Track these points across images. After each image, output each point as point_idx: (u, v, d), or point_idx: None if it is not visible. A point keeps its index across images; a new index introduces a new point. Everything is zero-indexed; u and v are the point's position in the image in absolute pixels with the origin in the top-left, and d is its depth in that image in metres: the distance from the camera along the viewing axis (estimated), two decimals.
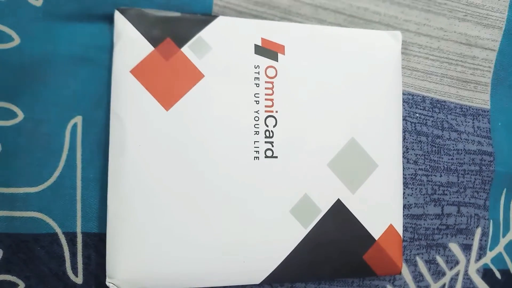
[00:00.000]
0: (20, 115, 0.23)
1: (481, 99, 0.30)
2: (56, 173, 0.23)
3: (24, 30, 0.23)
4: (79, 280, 0.24)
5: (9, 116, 0.23)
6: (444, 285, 0.28)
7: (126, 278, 0.22)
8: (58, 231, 0.23)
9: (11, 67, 0.23)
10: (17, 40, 0.23)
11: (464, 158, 0.29)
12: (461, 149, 0.29)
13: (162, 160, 0.23)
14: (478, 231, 0.29)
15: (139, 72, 0.23)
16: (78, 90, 0.24)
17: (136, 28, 0.23)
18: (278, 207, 0.24)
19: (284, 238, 0.24)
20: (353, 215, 0.25)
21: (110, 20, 0.24)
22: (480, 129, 0.30)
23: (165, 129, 0.23)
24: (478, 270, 0.29)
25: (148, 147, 0.23)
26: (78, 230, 0.24)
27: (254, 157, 0.24)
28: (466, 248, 0.29)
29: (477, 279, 0.29)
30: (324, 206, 0.24)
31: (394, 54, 0.27)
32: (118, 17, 0.23)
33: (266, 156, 0.24)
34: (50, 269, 0.23)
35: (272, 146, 0.24)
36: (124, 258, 0.22)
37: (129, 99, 0.23)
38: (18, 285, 0.23)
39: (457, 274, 0.29)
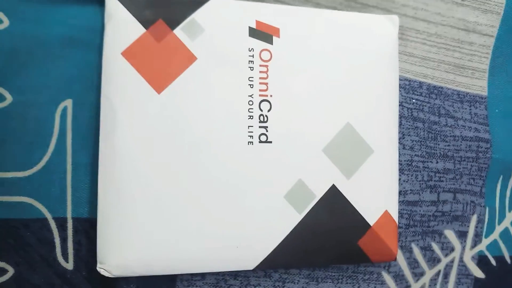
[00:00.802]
0: (9, 98, 0.23)
1: (479, 86, 0.30)
2: (46, 158, 0.23)
3: (13, 12, 0.23)
4: (69, 266, 0.23)
5: None
6: (439, 271, 0.28)
7: (117, 263, 0.22)
8: (48, 216, 0.23)
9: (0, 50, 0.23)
10: (6, 22, 0.23)
11: (460, 144, 0.29)
12: (457, 136, 0.29)
13: (153, 145, 0.22)
14: (474, 218, 0.29)
15: (130, 54, 0.22)
16: (68, 73, 0.23)
17: (128, 10, 0.23)
18: (272, 193, 0.23)
19: (278, 223, 0.23)
20: (348, 201, 0.24)
21: (100, 1, 0.24)
22: (477, 115, 0.29)
23: (156, 112, 0.22)
24: (473, 257, 0.29)
25: (139, 131, 0.22)
26: (69, 215, 0.23)
27: (248, 142, 0.23)
28: (462, 235, 0.29)
29: (472, 266, 0.29)
30: (319, 192, 0.24)
31: (391, 38, 0.26)
32: None
33: (260, 141, 0.24)
34: (40, 255, 0.23)
35: (267, 131, 0.24)
36: (115, 243, 0.22)
37: (120, 81, 0.22)
38: (7, 271, 0.23)
39: (452, 261, 0.29)
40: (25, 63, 0.23)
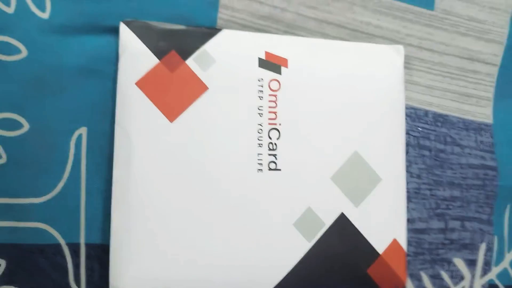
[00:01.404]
0: (26, 126, 0.23)
1: (484, 114, 0.30)
2: (61, 184, 0.23)
3: (31, 43, 0.24)
4: None
5: (14, 127, 0.23)
6: None
7: None
8: (62, 242, 0.23)
9: (18, 79, 0.23)
10: (24, 52, 0.24)
11: (467, 172, 0.29)
12: (464, 164, 0.29)
13: (166, 172, 0.23)
14: (483, 246, 0.29)
15: (144, 84, 0.23)
16: (84, 102, 0.24)
17: (141, 41, 0.24)
18: (282, 220, 0.24)
19: (287, 251, 0.24)
20: (356, 229, 0.25)
21: (115, 32, 0.25)
22: (483, 143, 0.30)
23: (169, 140, 0.23)
24: (483, 286, 0.29)
25: (152, 159, 0.23)
26: (82, 241, 0.24)
27: (258, 169, 0.24)
28: (471, 264, 0.29)
29: None
30: (328, 220, 0.24)
31: (397, 68, 0.27)
32: (124, 29, 0.24)
33: (270, 169, 0.24)
34: (53, 281, 0.23)
35: (276, 158, 0.24)
36: (127, 269, 0.22)
37: (134, 110, 0.23)
38: None
39: None
40: (42, 92, 0.24)
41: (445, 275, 0.28)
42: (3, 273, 0.23)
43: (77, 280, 0.24)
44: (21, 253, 0.23)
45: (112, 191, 0.22)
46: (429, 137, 0.29)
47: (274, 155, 0.24)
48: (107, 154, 0.24)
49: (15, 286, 0.23)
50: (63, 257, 0.23)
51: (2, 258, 0.23)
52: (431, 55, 0.30)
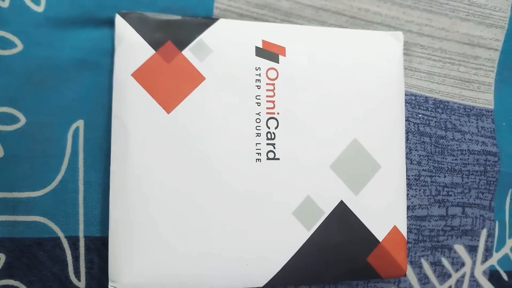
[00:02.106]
0: (22, 120, 0.23)
1: (485, 99, 0.30)
2: (59, 177, 0.23)
3: (26, 36, 0.24)
4: (81, 284, 0.24)
5: (11, 121, 0.23)
6: (450, 287, 0.28)
7: (129, 282, 0.22)
8: (61, 235, 0.23)
9: (13, 73, 0.23)
10: (19, 46, 0.24)
11: (468, 158, 0.29)
12: (465, 150, 0.29)
13: (163, 163, 0.23)
14: (484, 233, 0.29)
15: (140, 75, 0.23)
16: (80, 94, 0.24)
17: (137, 32, 0.23)
18: (281, 209, 0.24)
19: (287, 240, 0.24)
20: (356, 216, 0.24)
21: (111, 24, 0.24)
22: (484, 129, 0.29)
23: (166, 132, 0.23)
24: (484, 272, 0.29)
25: (149, 150, 0.23)
26: (81, 234, 0.24)
27: (256, 159, 0.24)
28: (472, 250, 0.29)
29: (483, 281, 0.29)
30: (327, 208, 0.24)
31: (396, 54, 0.26)
32: (119, 21, 0.23)
33: (268, 158, 0.24)
34: (53, 274, 0.23)
35: (274, 148, 0.24)
36: (126, 262, 0.22)
37: (131, 102, 0.23)
38: None
39: (463, 276, 0.28)
40: (38, 86, 0.24)
41: (446, 262, 0.28)
42: (3, 267, 0.23)
43: (77, 273, 0.24)
44: (20, 247, 0.23)
45: (110, 184, 0.22)
46: (429, 124, 0.28)
47: (273, 145, 0.24)
48: (105, 147, 0.24)
49: (15, 280, 0.23)
50: (62, 250, 0.23)
51: (1, 252, 0.23)
52: (431, 41, 0.29)
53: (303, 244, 0.24)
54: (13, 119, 0.23)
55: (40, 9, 0.24)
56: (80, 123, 0.24)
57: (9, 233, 0.23)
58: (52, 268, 0.23)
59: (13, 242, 0.23)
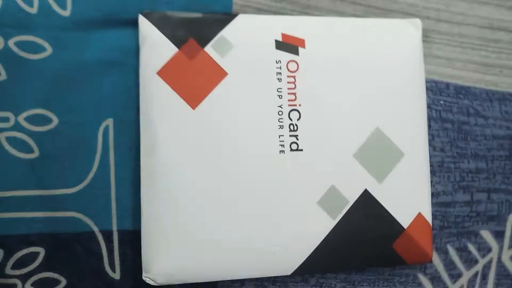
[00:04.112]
0: (55, 121, 0.24)
1: (508, 83, 0.30)
2: (91, 174, 0.24)
3: (54, 40, 0.25)
4: (116, 275, 0.25)
5: (44, 122, 0.24)
6: (477, 272, 0.28)
7: (161, 272, 0.23)
8: (95, 229, 0.24)
9: (44, 76, 0.24)
10: (49, 50, 0.25)
11: (492, 143, 0.29)
12: (488, 135, 0.29)
13: (191, 158, 0.23)
14: (510, 218, 0.29)
15: (165, 73, 0.24)
16: (108, 94, 0.25)
17: (160, 31, 0.24)
18: (306, 199, 0.24)
19: (313, 229, 0.24)
20: (381, 204, 0.25)
21: (134, 24, 0.25)
22: (508, 113, 0.29)
23: (192, 127, 0.24)
24: (511, 257, 0.29)
25: (177, 146, 0.23)
26: (114, 228, 0.25)
27: (280, 150, 0.24)
28: (499, 235, 0.29)
29: (511, 266, 0.29)
30: (352, 197, 0.25)
31: (415, 42, 0.26)
32: (142, 21, 0.24)
33: (292, 150, 0.24)
34: (89, 266, 0.24)
35: (297, 139, 0.24)
36: (159, 253, 0.23)
37: (157, 99, 0.24)
38: (60, 281, 0.24)
39: (490, 262, 0.28)
40: (68, 87, 0.25)
41: (472, 248, 0.28)
42: (42, 261, 0.24)
43: (112, 265, 0.25)
44: (58, 241, 0.24)
45: (141, 179, 0.23)
46: (451, 110, 0.28)
47: (295, 136, 0.24)
48: (134, 144, 0.25)
49: (54, 273, 0.24)
50: (97, 243, 0.25)
51: (40, 246, 0.24)
52: (450, 26, 0.29)
53: (329, 233, 0.24)
54: (46, 120, 0.24)
55: (66, 13, 0.25)
56: (109, 122, 0.25)
57: (47, 228, 0.24)
58: (89, 261, 0.24)
59: (51, 237, 0.24)
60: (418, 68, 0.26)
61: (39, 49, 0.24)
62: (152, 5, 0.26)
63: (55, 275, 0.24)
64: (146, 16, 0.24)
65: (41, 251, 0.24)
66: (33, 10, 0.24)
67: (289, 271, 0.24)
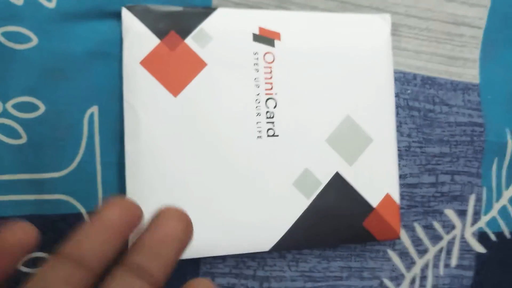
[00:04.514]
0: (42, 108, 0.25)
1: (471, 75, 0.32)
2: (78, 159, 0.26)
3: (41, 31, 0.25)
4: None
5: (32, 109, 0.25)
6: (442, 248, 0.30)
7: None
8: (83, 211, 0.26)
9: (31, 65, 0.25)
10: (35, 40, 0.25)
11: (455, 129, 0.31)
12: (452, 122, 0.31)
13: (173, 142, 0.25)
14: (472, 198, 0.31)
15: (148, 63, 0.25)
16: (93, 82, 0.26)
17: (143, 23, 0.25)
18: (282, 181, 0.26)
19: (289, 208, 0.26)
20: (351, 186, 0.27)
21: (118, 16, 0.26)
22: (470, 102, 0.31)
23: (174, 113, 0.25)
24: (473, 234, 0.31)
25: (159, 131, 0.25)
26: None
27: (257, 136, 0.26)
28: (462, 214, 0.31)
29: (473, 242, 0.31)
30: (324, 179, 0.26)
31: (384, 35, 0.28)
32: (126, 13, 0.25)
33: (268, 135, 0.26)
34: None
35: (273, 125, 0.26)
36: None
37: (140, 88, 0.25)
38: None
39: (453, 238, 0.31)
40: (54, 76, 0.26)
41: (437, 225, 0.30)
42: None
43: None
44: (47, 222, 0.25)
45: (126, 161, 0.25)
46: (418, 99, 0.30)
47: (272, 123, 0.26)
48: (118, 129, 0.26)
49: (43, 252, 0.25)
50: None
51: None
52: (418, 21, 0.31)
53: (304, 211, 0.26)
54: (34, 107, 0.25)
55: (52, 5, 0.26)
56: (94, 109, 0.26)
57: (36, 210, 0.25)
58: None
59: (40, 219, 0.25)
60: (387, 60, 0.28)
61: (25, 39, 0.25)
62: None
63: (44, 254, 0.25)
64: (129, 9, 0.25)
65: None
66: (19, 2, 0.25)
67: (267, 248, 0.26)
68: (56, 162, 0.25)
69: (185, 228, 0.19)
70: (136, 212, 0.19)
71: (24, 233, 0.17)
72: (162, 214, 0.19)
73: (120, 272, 0.17)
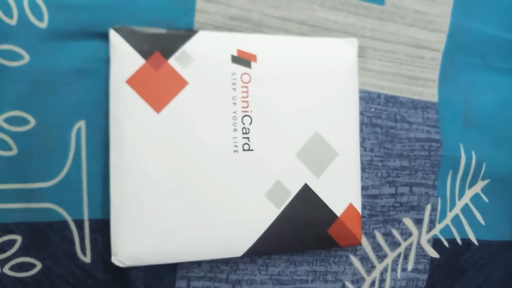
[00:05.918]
0: (32, 122, 0.27)
1: (430, 93, 0.34)
2: (65, 170, 0.27)
3: (32, 49, 0.27)
4: (87, 259, 0.27)
5: (22, 123, 0.27)
6: (400, 254, 0.33)
7: (128, 254, 0.26)
8: (68, 218, 0.27)
9: (23, 81, 0.26)
10: (27, 58, 0.27)
11: (414, 145, 0.33)
12: (412, 138, 0.33)
13: (155, 155, 0.26)
14: (428, 207, 0.33)
15: (133, 81, 0.26)
16: (81, 98, 0.27)
17: (129, 44, 0.26)
18: (255, 191, 0.28)
19: (260, 217, 0.28)
20: (318, 196, 0.29)
21: (105, 37, 0.28)
22: (429, 119, 0.34)
23: (156, 129, 0.26)
24: (429, 240, 0.33)
25: (143, 145, 0.26)
26: (85, 217, 0.27)
27: (234, 150, 0.27)
28: (418, 222, 0.33)
29: (428, 248, 0.33)
30: (294, 190, 0.28)
31: (351, 58, 0.30)
32: (113, 34, 0.26)
33: (244, 149, 0.28)
34: (62, 251, 0.27)
35: (249, 140, 0.28)
36: (126, 239, 0.26)
37: (125, 104, 0.26)
38: (36, 265, 0.27)
39: (410, 244, 0.33)
40: (44, 92, 0.27)
41: (396, 233, 0.33)
42: (20, 247, 0.26)
43: (83, 250, 0.27)
44: (34, 229, 0.27)
45: (110, 174, 0.26)
46: (381, 116, 0.33)
47: (247, 138, 0.28)
48: (104, 143, 0.28)
49: (31, 257, 0.27)
50: (70, 231, 0.27)
51: (18, 234, 0.26)
52: (383, 44, 0.33)
53: (274, 220, 0.28)
54: (24, 121, 0.27)
55: (43, 25, 0.27)
56: (82, 123, 0.27)
57: (24, 218, 0.26)
58: (62, 247, 0.27)
59: (28, 226, 0.26)
60: (353, 80, 0.30)
61: (17, 57, 0.26)
62: (122, 21, 0.28)
63: (31, 260, 0.27)
64: (116, 30, 0.26)
65: (18, 238, 0.26)
66: (13, 22, 0.26)
67: (239, 253, 0.27)
68: (45, 172, 0.27)
69: None
70: None
71: None
72: None
73: None
